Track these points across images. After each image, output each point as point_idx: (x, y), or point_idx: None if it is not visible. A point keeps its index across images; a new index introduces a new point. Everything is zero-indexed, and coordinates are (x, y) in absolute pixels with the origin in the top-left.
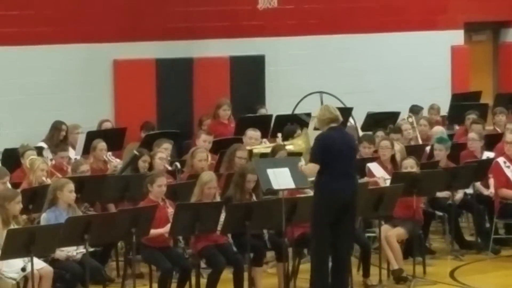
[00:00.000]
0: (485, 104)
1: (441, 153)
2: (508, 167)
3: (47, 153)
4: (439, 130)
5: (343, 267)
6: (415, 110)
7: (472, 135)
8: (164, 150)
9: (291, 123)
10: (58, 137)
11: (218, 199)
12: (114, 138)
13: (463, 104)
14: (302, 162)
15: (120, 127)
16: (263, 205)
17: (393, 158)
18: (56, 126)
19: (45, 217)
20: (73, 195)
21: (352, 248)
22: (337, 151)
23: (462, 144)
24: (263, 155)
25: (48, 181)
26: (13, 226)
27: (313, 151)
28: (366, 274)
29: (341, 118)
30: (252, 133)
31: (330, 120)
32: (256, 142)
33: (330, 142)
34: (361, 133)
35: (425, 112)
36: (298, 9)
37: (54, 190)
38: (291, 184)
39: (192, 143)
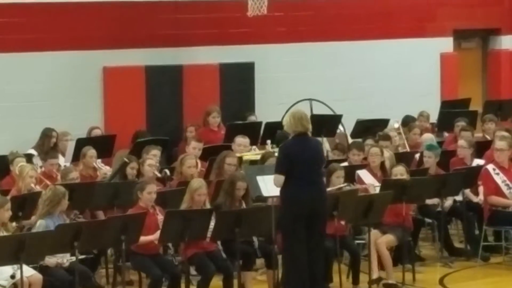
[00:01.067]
0: (474, 111)
1: (430, 160)
2: (498, 174)
3: (37, 160)
4: (429, 138)
5: (320, 275)
6: (407, 120)
7: (461, 142)
8: (153, 157)
9: (281, 130)
10: (48, 144)
11: (208, 206)
12: (104, 145)
13: (453, 111)
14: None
15: (109, 134)
16: (253, 212)
17: (382, 165)
18: (46, 133)
19: (43, 224)
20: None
21: (342, 255)
22: (301, 160)
23: (451, 151)
24: (252, 162)
25: (38, 188)
26: (2, 233)
27: (277, 161)
28: (355, 281)
29: (310, 129)
30: (241, 140)
31: (298, 132)
32: (245, 149)
33: (293, 151)
34: (350, 140)
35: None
36: (287, 16)
37: (58, 197)
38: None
39: (180, 150)
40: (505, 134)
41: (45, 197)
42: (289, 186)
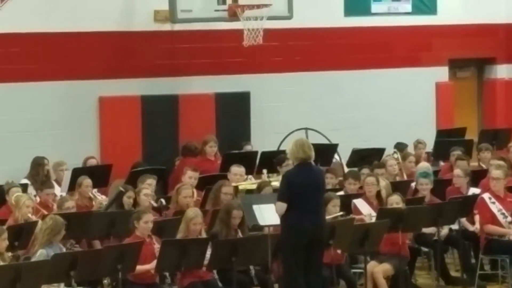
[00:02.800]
0: (470, 140)
1: (426, 187)
2: (494, 203)
3: (31, 190)
4: (425, 166)
5: None
6: (400, 148)
7: (457, 171)
8: (148, 186)
9: (277, 160)
10: (43, 173)
11: (204, 235)
12: (100, 174)
13: (448, 140)
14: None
15: (105, 163)
16: (249, 241)
17: (378, 194)
18: (38, 162)
19: (44, 253)
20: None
21: (338, 284)
22: (303, 189)
23: (447, 180)
24: (248, 191)
25: (34, 218)
26: None
27: (280, 189)
28: None
29: (313, 157)
30: (237, 169)
31: (301, 159)
32: (241, 178)
33: (295, 179)
34: (346, 170)
35: (409, 148)
36: (283, 46)
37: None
38: (276, 220)
39: (172, 179)
40: (501, 163)
41: (45, 227)
42: (291, 214)
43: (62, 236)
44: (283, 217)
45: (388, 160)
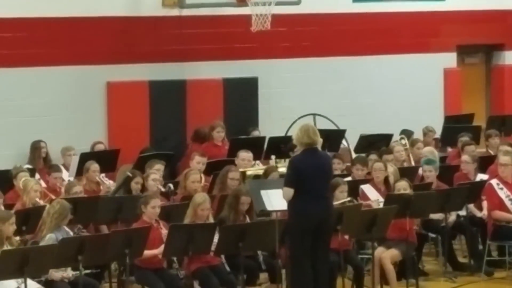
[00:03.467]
0: (478, 127)
1: (431, 174)
2: (501, 189)
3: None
4: (429, 150)
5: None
6: (406, 133)
7: (465, 157)
8: (156, 171)
9: (284, 145)
10: (39, 156)
11: (211, 220)
12: (107, 159)
13: (456, 126)
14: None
15: (113, 148)
16: (257, 227)
17: (386, 180)
18: (35, 146)
19: (53, 237)
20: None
21: (345, 269)
22: (310, 174)
23: (455, 166)
24: (256, 177)
25: (42, 202)
26: (6, 247)
27: (287, 174)
28: None
29: (318, 142)
30: (244, 155)
31: (306, 144)
32: (249, 164)
33: (303, 165)
34: (354, 155)
35: (417, 134)
36: (291, 32)
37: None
38: (284, 206)
39: (182, 165)
40: (509, 149)
41: (53, 211)
42: (298, 200)
43: (68, 220)
44: (290, 203)
45: (395, 146)
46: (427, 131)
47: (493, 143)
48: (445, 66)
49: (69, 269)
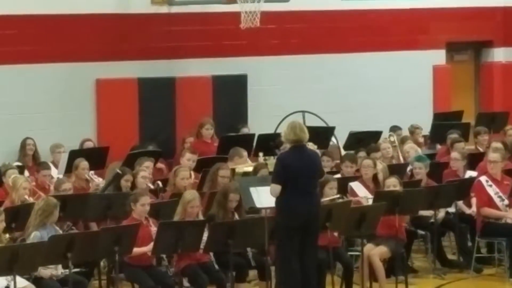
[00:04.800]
0: (467, 124)
1: (421, 171)
2: (490, 186)
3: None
4: (411, 147)
5: (313, 286)
6: (394, 130)
7: (455, 154)
8: (146, 169)
9: (273, 142)
10: (25, 153)
11: (201, 217)
12: (97, 157)
13: (445, 123)
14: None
15: (102, 146)
16: (246, 224)
17: (375, 177)
18: (22, 143)
19: (38, 235)
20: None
21: (334, 267)
22: (297, 171)
23: (444, 163)
24: (245, 174)
25: (31, 199)
26: None
27: (274, 171)
28: None
29: (305, 139)
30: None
31: (293, 141)
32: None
33: (290, 162)
34: (343, 152)
35: (407, 131)
36: (280, 29)
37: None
38: (273, 203)
39: (175, 162)
40: (499, 146)
41: (38, 208)
42: (285, 197)
43: (57, 217)
44: (278, 200)
45: (382, 143)
46: (413, 129)
47: (482, 140)
48: (434, 63)
49: (59, 266)
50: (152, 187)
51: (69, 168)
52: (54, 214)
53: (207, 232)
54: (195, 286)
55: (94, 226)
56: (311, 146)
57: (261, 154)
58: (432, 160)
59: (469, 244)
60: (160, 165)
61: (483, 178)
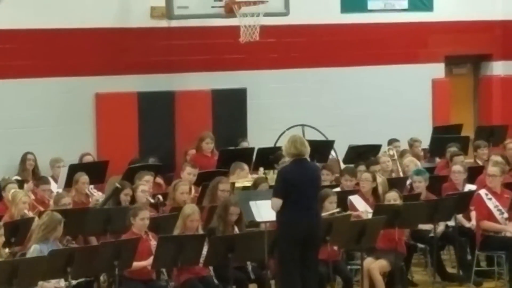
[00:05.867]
0: (466, 137)
1: (421, 185)
2: (490, 199)
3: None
4: (411, 161)
5: None
6: (391, 143)
7: (457, 167)
8: (145, 183)
9: (273, 156)
10: (25, 167)
11: (200, 231)
12: (96, 171)
13: (444, 137)
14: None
15: (102, 160)
16: (246, 238)
17: (374, 190)
18: (22, 158)
19: (37, 249)
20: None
21: (334, 280)
22: (298, 185)
23: (443, 176)
24: (245, 188)
25: (30, 214)
26: None
27: (275, 185)
28: None
29: (306, 153)
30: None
31: (293, 155)
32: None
33: (291, 176)
34: (343, 166)
35: (404, 144)
36: (279, 43)
37: (54, 223)
38: (273, 216)
39: (176, 176)
40: (498, 159)
41: (41, 223)
42: (286, 210)
43: (59, 233)
44: (279, 213)
45: (381, 157)
46: (412, 142)
47: (482, 154)
48: (433, 77)
49: (62, 280)
50: (152, 201)
51: (69, 183)
52: (58, 229)
53: (207, 246)
54: None
55: (93, 241)
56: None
57: (261, 169)
58: (431, 173)
59: (469, 257)
60: (158, 180)
61: (482, 192)
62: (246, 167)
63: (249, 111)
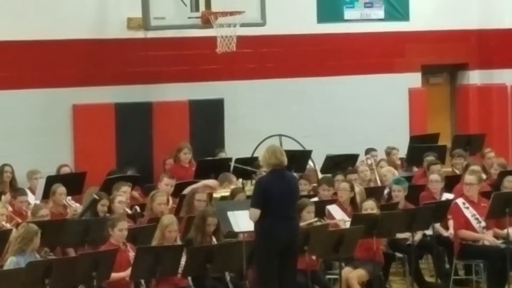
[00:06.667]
0: (443, 146)
1: (400, 194)
2: (467, 208)
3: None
4: (390, 171)
5: None
6: (369, 152)
7: (434, 176)
8: (123, 194)
9: (250, 166)
10: (2, 179)
11: (179, 242)
12: (74, 182)
13: (421, 146)
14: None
15: (79, 171)
16: (224, 248)
17: (352, 200)
18: (0, 170)
19: (14, 261)
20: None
21: None
22: (276, 195)
23: (421, 185)
24: (222, 198)
25: (8, 225)
26: None
27: (253, 195)
28: None
29: (285, 163)
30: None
31: (273, 165)
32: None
33: (269, 186)
34: (320, 176)
35: (381, 153)
36: (256, 53)
37: (31, 235)
38: (251, 227)
39: (155, 187)
40: (475, 168)
41: (17, 235)
42: (264, 220)
43: (36, 245)
44: (257, 224)
45: (359, 166)
46: (389, 150)
47: (459, 163)
48: (409, 86)
49: None
50: (129, 212)
51: (46, 194)
52: (35, 241)
53: (185, 257)
54: None
55: (71, 252)
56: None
57: (240, 180)
58: (409, 182)
59: (447, 266)
60: (134, 193)
61: (459, 201)
62: (234, 179)
63: (227, 121)
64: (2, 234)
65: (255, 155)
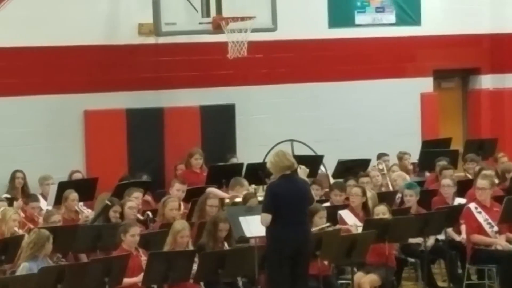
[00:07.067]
0: (455, 151)
1: (412, 199)
2: (480, 212)
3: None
4: (401, 176)
5: None
6: (380, 157)
7: (446, 181)
8: (134, 199)
9: (262, 171)
10: (14, 185)
11: (191, 247)
12: (86, 188)
13: (434, 151)
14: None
15: (91, 177)
16: (236, 253)
17: (364, 205)
18: (12, 176)
19: (27, 266)
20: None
21: None
22: (287, 200)
23: (433, 190)
24: (234, 204)
25: (20, 231)
26: None
27: (264, 200)
28: None
29: (296, 165)
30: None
31: (286, 168)
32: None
33: (280, 190)
34: (332, 181)
35: (393, 158)
36: (267, 58)
37: (43, 240)
38: (263, 232)
39: (167, 192)
40: (488, 173)
41: (29, 240)
42: (275, 226)
43: (48, 250)
44: (268, 229)
45: (371, 171)
46: (401, 155)
47: (471, 167)
48: (421, 91)
49: None
50: (140, 217)
51: (58, 200)
52: (46, 246)
53: (197, 262)
54: None
55: (84, 258)
56: (303, 170)
57: (253, 185)
58: (421, 187)
59: (460, 271)
60: (147, 197)
61: (472, 205)
62: (246, 183)
63: (238, 126)
64: (14, 240)
65: (266, 160)
